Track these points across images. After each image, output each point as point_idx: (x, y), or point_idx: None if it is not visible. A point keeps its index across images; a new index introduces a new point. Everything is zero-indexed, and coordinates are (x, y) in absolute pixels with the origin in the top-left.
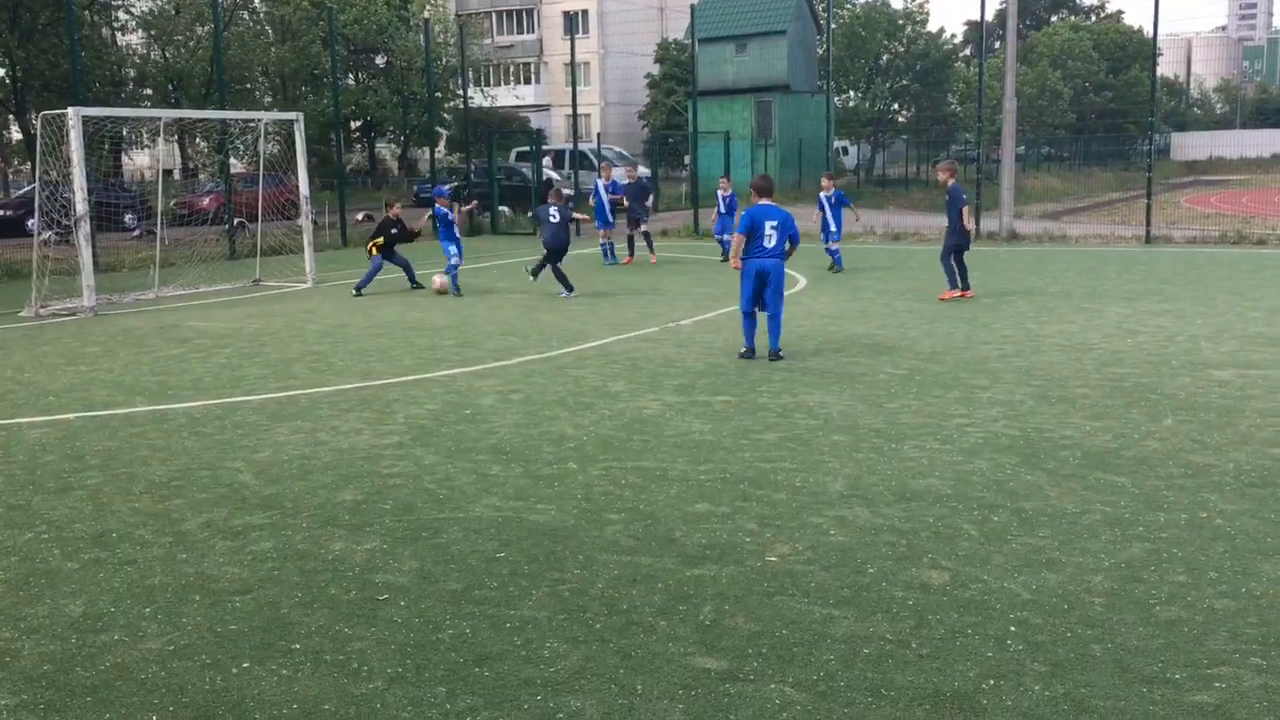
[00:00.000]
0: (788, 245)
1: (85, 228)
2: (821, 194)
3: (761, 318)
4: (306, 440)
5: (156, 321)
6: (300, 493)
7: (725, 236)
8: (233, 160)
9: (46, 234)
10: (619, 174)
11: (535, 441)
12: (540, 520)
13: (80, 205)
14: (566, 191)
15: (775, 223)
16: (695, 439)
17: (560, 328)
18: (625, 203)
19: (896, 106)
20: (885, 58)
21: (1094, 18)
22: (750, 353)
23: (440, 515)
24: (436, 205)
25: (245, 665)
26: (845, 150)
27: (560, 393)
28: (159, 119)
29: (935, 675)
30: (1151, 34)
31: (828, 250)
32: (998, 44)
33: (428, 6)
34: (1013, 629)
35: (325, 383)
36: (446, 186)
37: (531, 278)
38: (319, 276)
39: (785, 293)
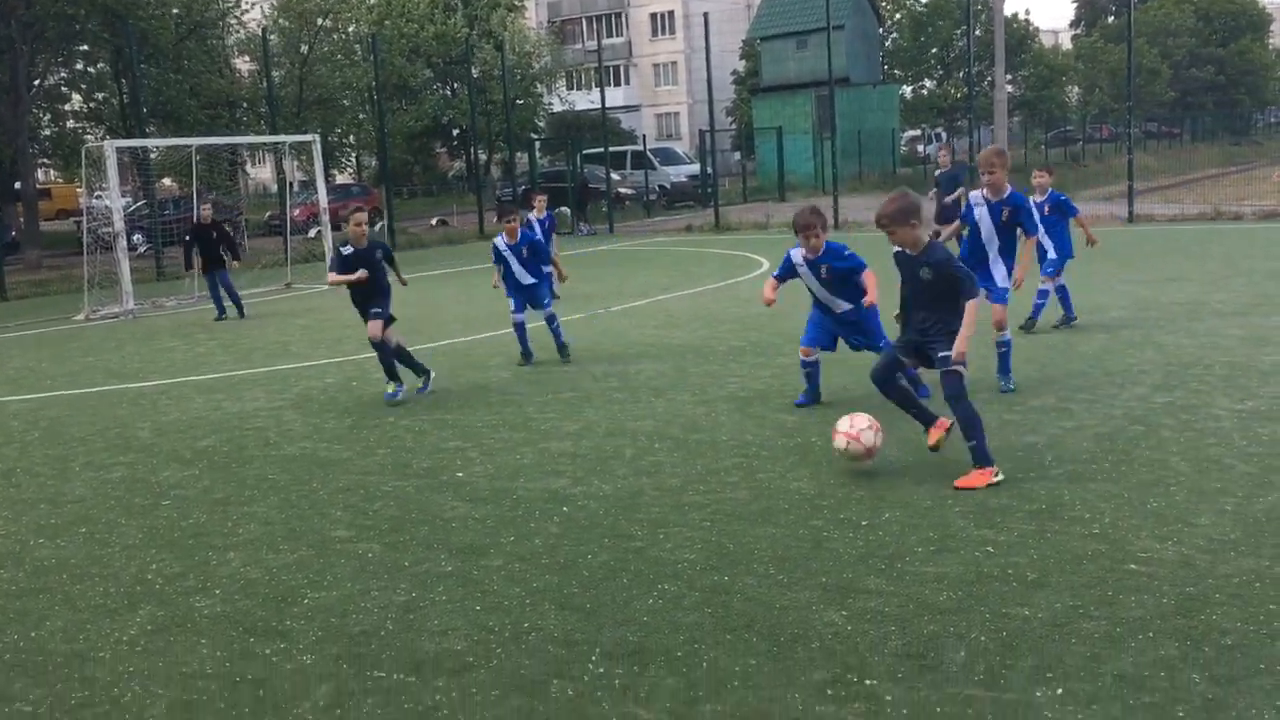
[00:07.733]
0: None
1: (123, 243)
2: (1033, 198)
3: None
4: (205, 406)
5: (179, 321)
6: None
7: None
8: (335, 173)
9: (135, 239)
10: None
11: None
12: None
13: (118, 223)
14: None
15: None
16: None
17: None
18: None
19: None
20: (960, 44)
21: None
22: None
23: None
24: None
25: None
26: (936, 137)
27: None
28: (189, 146)
29: None
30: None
31: (1053, 289)
32: (1112, 19)
33: (506, 22)
34: None
35: (258, 364)
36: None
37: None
38: None
39: None
